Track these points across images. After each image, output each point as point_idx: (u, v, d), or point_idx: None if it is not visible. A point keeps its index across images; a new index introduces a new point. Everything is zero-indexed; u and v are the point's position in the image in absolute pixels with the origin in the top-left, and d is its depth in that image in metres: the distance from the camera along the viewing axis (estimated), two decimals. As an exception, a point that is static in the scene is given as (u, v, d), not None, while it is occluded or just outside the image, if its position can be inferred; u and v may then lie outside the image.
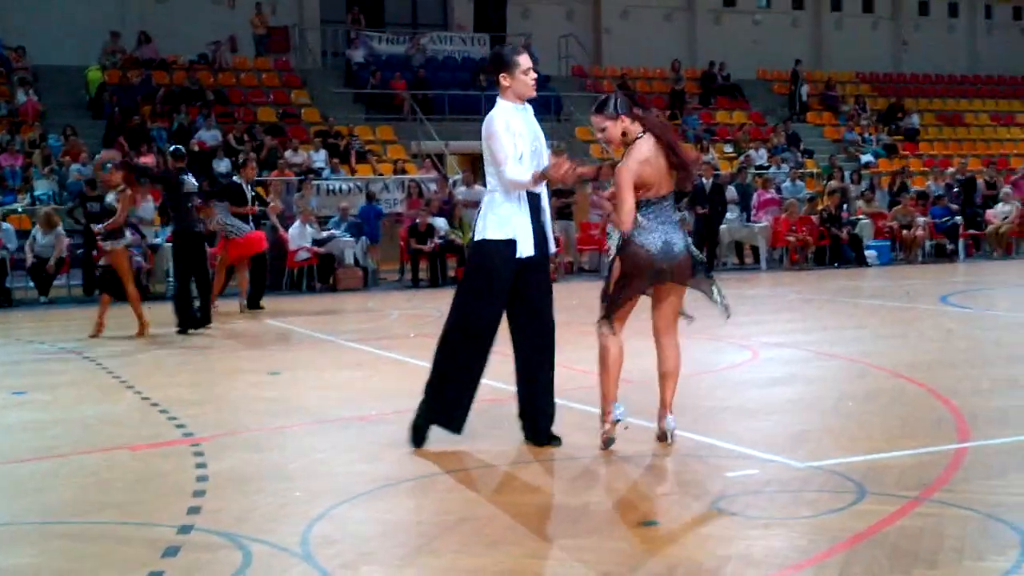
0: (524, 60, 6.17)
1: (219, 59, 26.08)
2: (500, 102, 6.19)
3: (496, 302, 6.19)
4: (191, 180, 12.67)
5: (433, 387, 6.30)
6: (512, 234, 6.08)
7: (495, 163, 6.09)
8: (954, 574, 4.08)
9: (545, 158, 6.23)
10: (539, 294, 6.27)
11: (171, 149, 13.45)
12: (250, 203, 14.78)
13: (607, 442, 6.12)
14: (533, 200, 6.18)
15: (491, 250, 6.13)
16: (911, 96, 33.21)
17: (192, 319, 12.24)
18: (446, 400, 6.28)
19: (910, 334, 11.12)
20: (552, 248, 6.34)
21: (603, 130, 6.10)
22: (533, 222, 6.15)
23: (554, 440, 6.29)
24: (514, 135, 6.08)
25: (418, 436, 6.29)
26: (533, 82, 6.19)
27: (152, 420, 7.47)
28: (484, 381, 8.49)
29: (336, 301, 16.88)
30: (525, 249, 6.10)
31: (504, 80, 6.15)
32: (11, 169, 20.62)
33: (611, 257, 6.26)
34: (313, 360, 10.39)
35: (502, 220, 6.10)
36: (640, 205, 6.02)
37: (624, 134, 6.07)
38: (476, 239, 6.23)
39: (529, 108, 6.27)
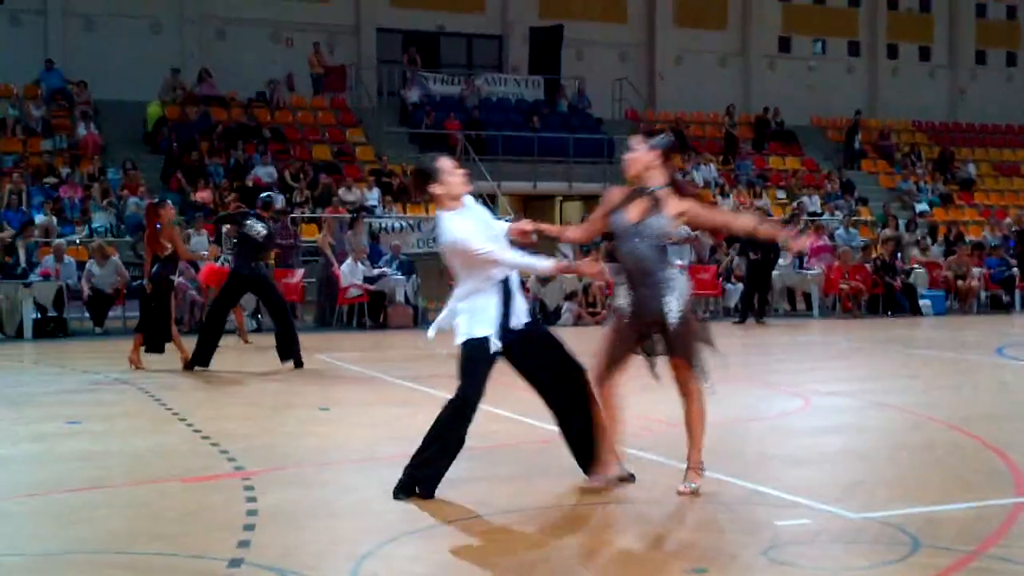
0: (445, 163, 6.18)
1: (276, 97, 26.46)
2: (441, 215, 6.19)
3: (479, 386, 6.20)
4: (258, 227, 12.42)
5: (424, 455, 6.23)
6: (488, 330, 6.09)
7: (471, 259, 6.06)
8: (1012, 632, 4.00)
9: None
10: (544, 354, 6.30)
11: (263, 197, 13.58)
12: None
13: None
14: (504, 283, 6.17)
15: (473, 346, 6.15)
16: (967, 145, 32.95)
17: (205, 359, 12.25)
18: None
19: (964, 385, 10.97)
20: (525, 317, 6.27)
21: (633, 151, 6.11)
22: (505, 306, 6.13)
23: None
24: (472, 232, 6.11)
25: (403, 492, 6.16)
26: (461, 177, 6.16)
27: (203, 452, 7.52)
28: (536, 423, 8.56)
29: (386, 338, 16.95)
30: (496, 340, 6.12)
31: (437, 189, 6.15)
32: (71, 201, 20.99)
33: (682, 317, 6.12)
34: (362, 397, 10.42)
35: (478, 316, 6.12)
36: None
37: (647, 169, 6.08)
38: (459, 340, 6.19)
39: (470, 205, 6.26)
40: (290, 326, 12.64)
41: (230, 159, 23.21)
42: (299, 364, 12.34)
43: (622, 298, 6.19)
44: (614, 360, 6.19)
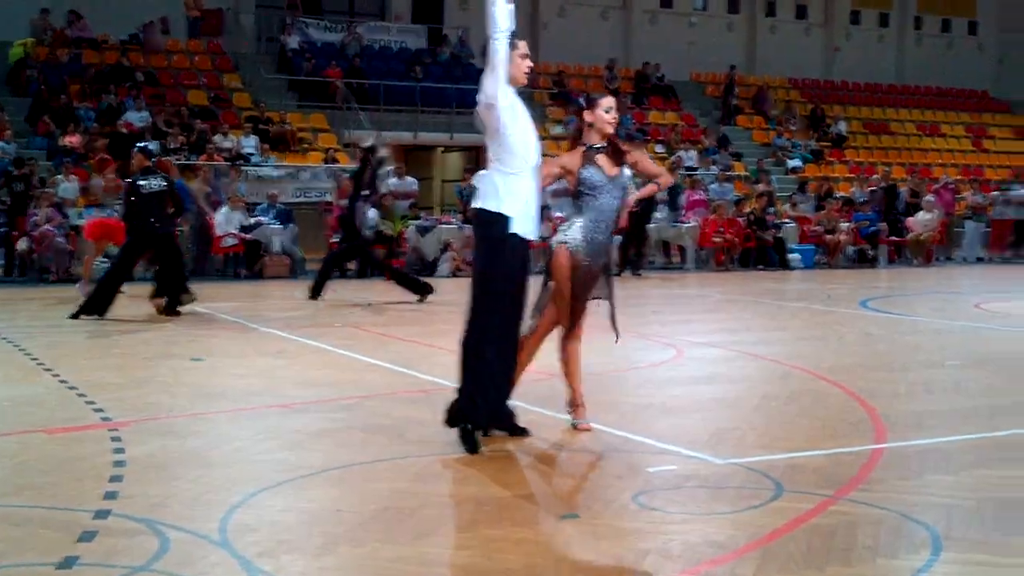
0: (523, 45, 6.16)
1: (151, 40, 25.69)
2: None
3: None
4: (156, 181, 12.24)
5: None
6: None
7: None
8: (868, 572, 4.15)
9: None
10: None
11: (139, 146, 13.07)
12: None
13: None
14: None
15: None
16: (840, 103, 33.74)
17: (102, 309, 11.98)
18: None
19: (831, 337, 11.30)
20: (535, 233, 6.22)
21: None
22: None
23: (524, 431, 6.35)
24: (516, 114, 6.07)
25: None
26: (528, 69, 6.17)
27: (70, 403, 7.35)
28: (413, 373, 8.58)
29: (262, 288, 16.73)
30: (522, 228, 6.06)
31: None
32: (-69, 144, 20.13)
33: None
34: (236, 347, 10.29)
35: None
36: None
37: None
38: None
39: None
40: (181, 284, 12.57)
41: (101, 103, 22.52)
42: (174, 311, 12.29)
43: (579, 242, 6.32)
44: (578, 309, 6.42)
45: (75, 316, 11.81)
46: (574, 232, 6.33)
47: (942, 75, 36.65)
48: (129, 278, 12.71)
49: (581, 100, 6.59)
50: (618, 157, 6.43)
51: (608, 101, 6.45)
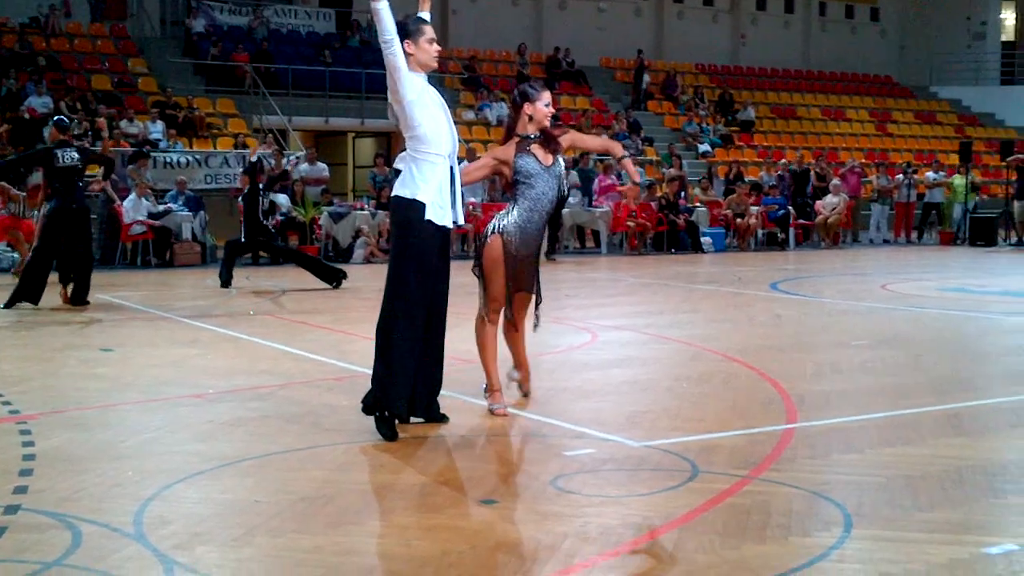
0: (428, 30, 6.18)
1: (52, 23, 25.08)
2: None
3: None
4: (71, 154, 11.95)
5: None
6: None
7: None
8: (781, 550, 4.22)
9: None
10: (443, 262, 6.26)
11: (54, 120, 12.70)
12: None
13: None
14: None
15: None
16: (747, 88, 34.19)
17: (35, 296, 11.76)
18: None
19: (741, 319, 11.46)
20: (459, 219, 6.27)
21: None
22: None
23: (443, 417, 6.35)
24: (426, 105, 6.07)
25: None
26: (436, 53, 6.20)
27: (-25, 397, 7.17)
28: (327, 360, 8.53)
29: (173, 276, 16.47)
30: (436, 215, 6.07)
31: (408, 47, 6.09)
32: None
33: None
34: (147, 337, 10.11)
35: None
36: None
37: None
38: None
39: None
40: (89, 272, 12.33)
41: (1, 88, 21.93)
42: (82, 301, 12.14)
43: (513, 231, 6.48)
44: (509, 295, 6.58)
45: (8, 305, 11.66)
46: (509, 220, 6.45)
47: (846, 61, 37.36)
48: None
49: (516, 94, 6.66)
50: (552, 146, 6.56)
51: (547, 95, 6.63)
